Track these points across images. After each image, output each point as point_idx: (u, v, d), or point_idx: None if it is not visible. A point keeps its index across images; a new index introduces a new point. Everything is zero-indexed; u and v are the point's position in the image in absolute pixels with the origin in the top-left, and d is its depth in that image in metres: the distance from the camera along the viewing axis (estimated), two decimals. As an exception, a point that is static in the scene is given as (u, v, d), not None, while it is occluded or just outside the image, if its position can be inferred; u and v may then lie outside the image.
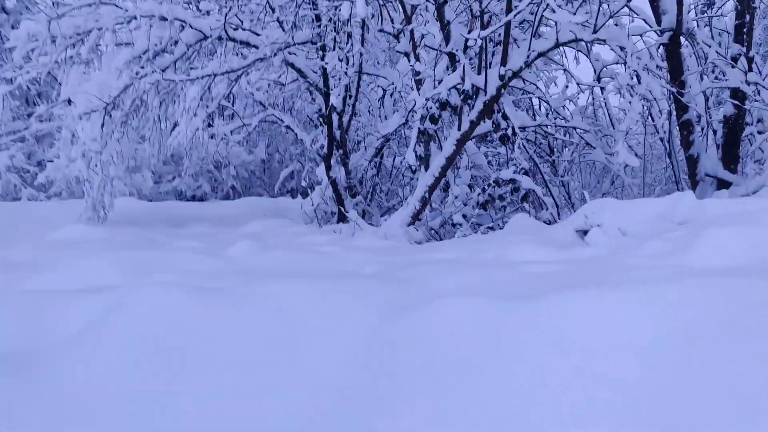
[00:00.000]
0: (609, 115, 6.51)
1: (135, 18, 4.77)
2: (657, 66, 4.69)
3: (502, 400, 1.31)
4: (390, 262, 2.78)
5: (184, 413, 1.49)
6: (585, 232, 2.84)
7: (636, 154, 6.36)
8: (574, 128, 5.78)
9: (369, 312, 1.79)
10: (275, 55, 4.88)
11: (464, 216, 4.78)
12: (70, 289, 2.27)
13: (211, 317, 1.79)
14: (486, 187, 4.75)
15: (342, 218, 5.25)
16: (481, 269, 2.27)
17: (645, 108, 5.82)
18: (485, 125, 4.90)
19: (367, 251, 3.30)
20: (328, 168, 5.51)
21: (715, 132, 5.55)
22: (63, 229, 4.54)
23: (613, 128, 6.31)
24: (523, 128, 5.22)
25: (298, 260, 2.93)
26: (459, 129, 4.56)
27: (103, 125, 4.85)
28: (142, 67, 4.86)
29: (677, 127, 5.39)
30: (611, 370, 1.29)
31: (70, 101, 4.95)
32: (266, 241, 3.95)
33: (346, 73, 5.10)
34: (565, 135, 6.03)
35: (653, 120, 6.23)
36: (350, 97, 5.68)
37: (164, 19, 4.78)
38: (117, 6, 4.87)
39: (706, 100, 5.44)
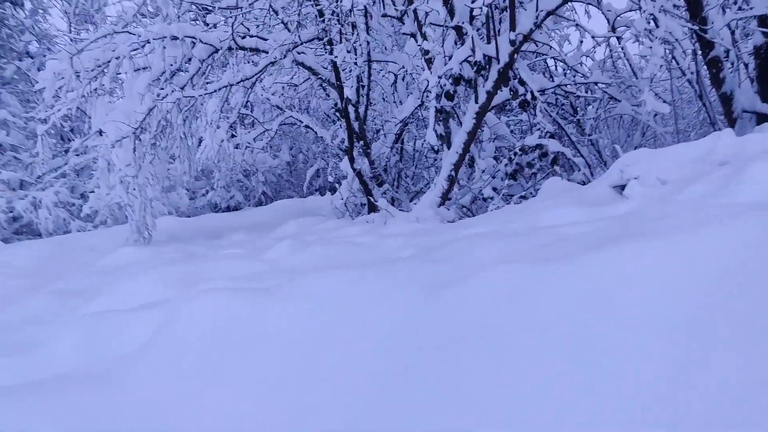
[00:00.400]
0: (630, 65, 6.25)
1: (148, 42, 4.94)
2: (674, 5, 4.45)
3: (535, 358, 1.34)
4: (424, 244, 2.81)
5: (250, 410, 1.58)
6: (622, 187, 2.76)
7: (664, 101, 6.11)
8: (595, 83, 5.60)
9: (410, 293, 1.83)
10: (285, 56, 4.95)
11: (494, 189, 4.73)
12: (129, 307, 2.42)
13: (263, 315, 1.88)
14: (512, 156, 4.68)
15: (372, 208, 5.30)
16: (515, 238, 2.26)
17: (667, 51, 5.57)
18: (502, 94, 4.83)
19: (400, 236, 3.34)
20: (352, 160, 5.56)
21: (746, 65, 5.26)
22: (113, 254, 4.79)
23: (636, 78, 6.08)
24: (542, 91, 5.11)
25: (336, 253, 3.00)
26: (476, 102, 4.51)
27: (134, 150, 5.06)
28: (162, 89, 5.03)
29: (705, 66, 5.14)
30: (649, 320, 1.28)
31: (101, 132, 5.18)
32: (303, 240, 4.06)
33: (356, 64, 5.12)
34: (586, 92, 5.85)
35: (678, 63, 5.94)
36: (363, 87, 5.70)
37: (175, 38, 4.93)
38: (130, 33, 5.04)
39: (732, 33, 5.14)
